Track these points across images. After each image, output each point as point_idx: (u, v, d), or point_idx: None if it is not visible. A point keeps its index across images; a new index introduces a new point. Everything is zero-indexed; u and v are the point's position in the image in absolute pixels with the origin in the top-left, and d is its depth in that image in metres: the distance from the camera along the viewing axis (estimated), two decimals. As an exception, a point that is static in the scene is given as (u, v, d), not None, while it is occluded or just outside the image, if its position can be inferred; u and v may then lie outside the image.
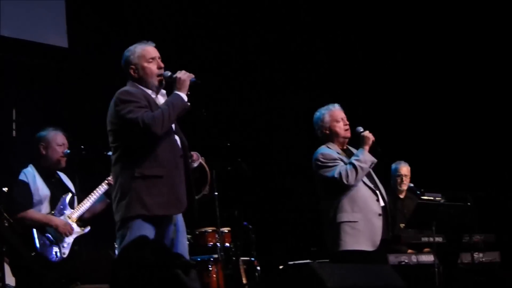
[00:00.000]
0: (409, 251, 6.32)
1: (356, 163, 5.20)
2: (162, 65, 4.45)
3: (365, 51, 9.23)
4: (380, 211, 5.25)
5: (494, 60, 8.45)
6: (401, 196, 7.05)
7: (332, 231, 5.21)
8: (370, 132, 5.39)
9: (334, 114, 5.45)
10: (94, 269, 5.62)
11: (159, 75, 4.42)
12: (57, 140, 5.63)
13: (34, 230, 5.36)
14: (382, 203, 5.29)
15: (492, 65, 8.46)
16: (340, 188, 5.21)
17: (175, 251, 4.22)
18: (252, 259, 6.94)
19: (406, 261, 5.95)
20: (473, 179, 7.84)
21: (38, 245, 5.34)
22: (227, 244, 6.72)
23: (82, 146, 5.76)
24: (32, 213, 5.41)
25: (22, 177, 5.50)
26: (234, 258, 6.68)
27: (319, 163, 5.31)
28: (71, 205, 5.59)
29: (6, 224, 4.71)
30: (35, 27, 7.59)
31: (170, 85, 4.42)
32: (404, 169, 7.05)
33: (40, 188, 5.49)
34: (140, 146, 4.25)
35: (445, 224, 5.73)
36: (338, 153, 5.37)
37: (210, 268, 6.46)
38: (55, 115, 7.30)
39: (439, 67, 8.79)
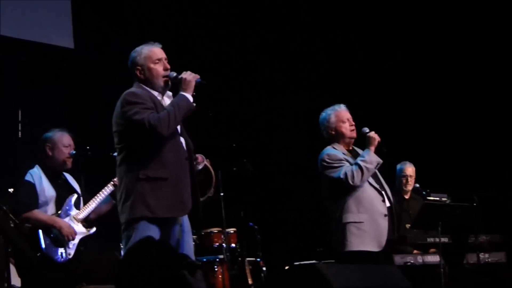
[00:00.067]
0: (415, 251, 6.30)
1: (362, 163, 5.19)
2: (168, 66, 4.45)
3: (365, 51, 9.21)
4: (385, 212, 5.25)
5: (498, 61, 8.43)
6: (406, 196, 7.03)
7: (338, 231, 5.21)
8: (375, 132, 5.39)
9: (340, 115, 5.45)
10: (99, 270, 5.61)
11: (164, 76, 4.42)
12: (63, 141, 5.63)
13: (40, 231, 5.37)
14: (387, 204, 5.30)
15: (496, 66, 8.45)
16: (345, 189, 5.21)
17: (181, 252, 4.22)
18: (258, 259, 6.93)
19: (412, 261, 5.93)
20: (479, 180, 7.82)
21: (43, 245, 5.34)
22: (233, 245, 6.72)
23: (88, 147, 5.77)
24: (37, 213, 5.41)
25: (28, 177, 5.51)
26: (240, 259, 6.67)
27: (325, 163, 5.31)
28: (77, 206, 5.59)
29: (12, 225, 4.70)
30: (41, 28, 7.60)
31: (175, 86, 4.41)
32: (409, 169, 7.04)
33: (46, 189, 5.49)
34: (145, 147, 4.25)
35: (451, 225, 5.73)
36: (344, 153, 5.36)
37: (216, 269, 6.46)
38: (60, 115, 7.30)
39: (443, 68, 8.77)
